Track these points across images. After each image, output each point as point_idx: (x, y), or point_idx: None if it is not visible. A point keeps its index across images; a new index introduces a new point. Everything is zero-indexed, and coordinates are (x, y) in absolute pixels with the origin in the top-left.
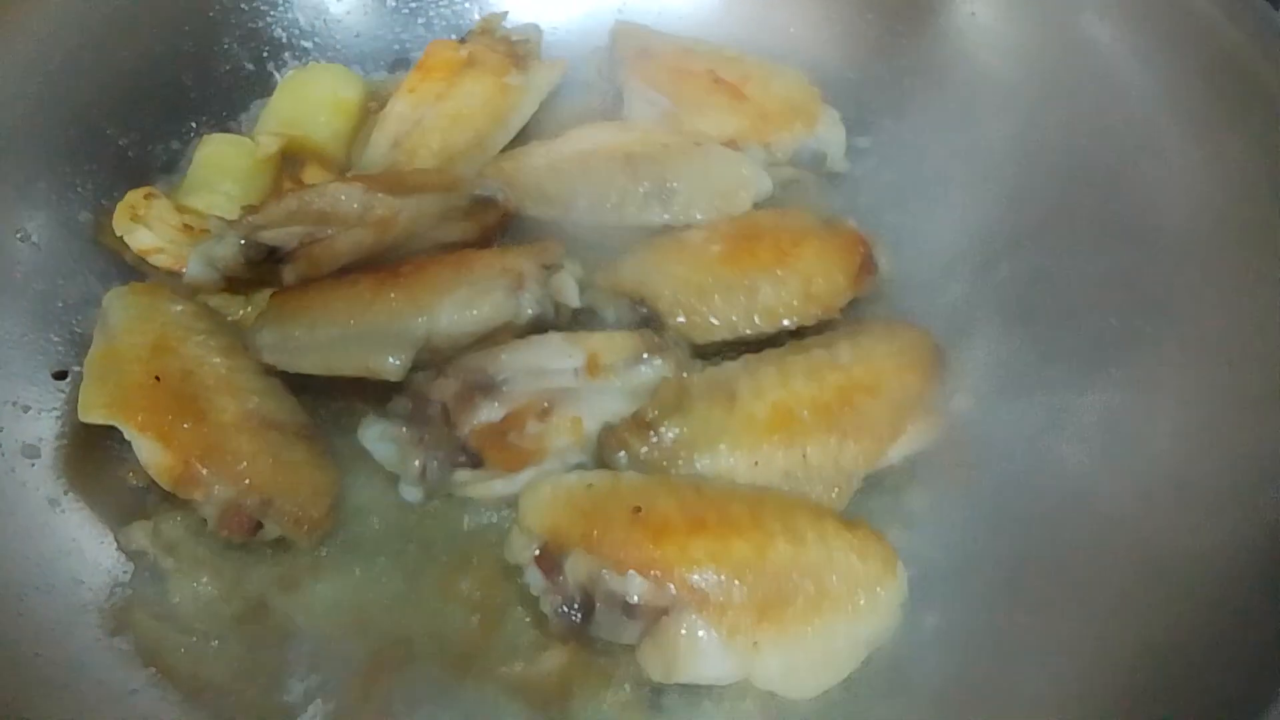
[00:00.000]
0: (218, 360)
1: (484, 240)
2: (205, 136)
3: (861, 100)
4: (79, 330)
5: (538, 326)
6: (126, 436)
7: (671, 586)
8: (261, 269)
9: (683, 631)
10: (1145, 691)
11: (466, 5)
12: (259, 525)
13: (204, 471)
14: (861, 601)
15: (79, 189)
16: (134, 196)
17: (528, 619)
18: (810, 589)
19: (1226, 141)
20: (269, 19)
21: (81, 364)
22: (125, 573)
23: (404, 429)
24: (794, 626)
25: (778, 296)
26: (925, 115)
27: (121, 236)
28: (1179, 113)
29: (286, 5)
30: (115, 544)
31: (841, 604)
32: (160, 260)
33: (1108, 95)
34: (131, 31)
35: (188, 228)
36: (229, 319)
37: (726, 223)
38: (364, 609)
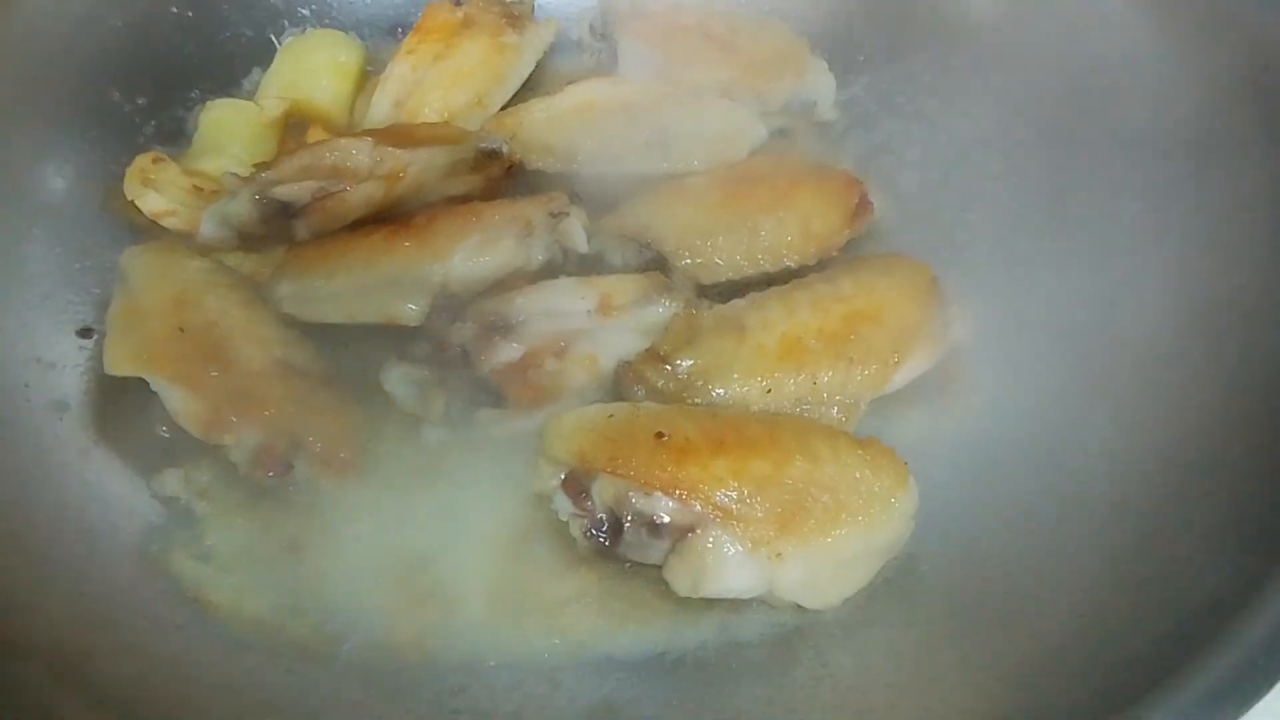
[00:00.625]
0: (239, 312)
1: (490, 193)
2: (210, 102)
3: (848, 51)
4: (97, 291)
5: (548, 272)
6: (154, 388)
7: (697, 504)
8: (274, 225)
9: (709, 545)
10: (1147, 597)
11: None
12: (289, 466)
13: (233, 417)
14: (876, 512)
15: (89, 155)
16: (143, 161)
17: (555, 546)
18: (828, 502)
19: (1211, 68)
20: None
21: (102, 323)
22: (160, 519)
23: (425, 371)
24: (814, 538)
25: (778, 237)
26: (911, 63)
27: (133, 201)
28: (1165, 45)
29: None
30: (148, 491)
31: (857, 515)
32: (171, 223)
33: (1090, 31)
34: (133, 4)
35: (197, 190)
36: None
37: (725, 169)
38: (395, 546)
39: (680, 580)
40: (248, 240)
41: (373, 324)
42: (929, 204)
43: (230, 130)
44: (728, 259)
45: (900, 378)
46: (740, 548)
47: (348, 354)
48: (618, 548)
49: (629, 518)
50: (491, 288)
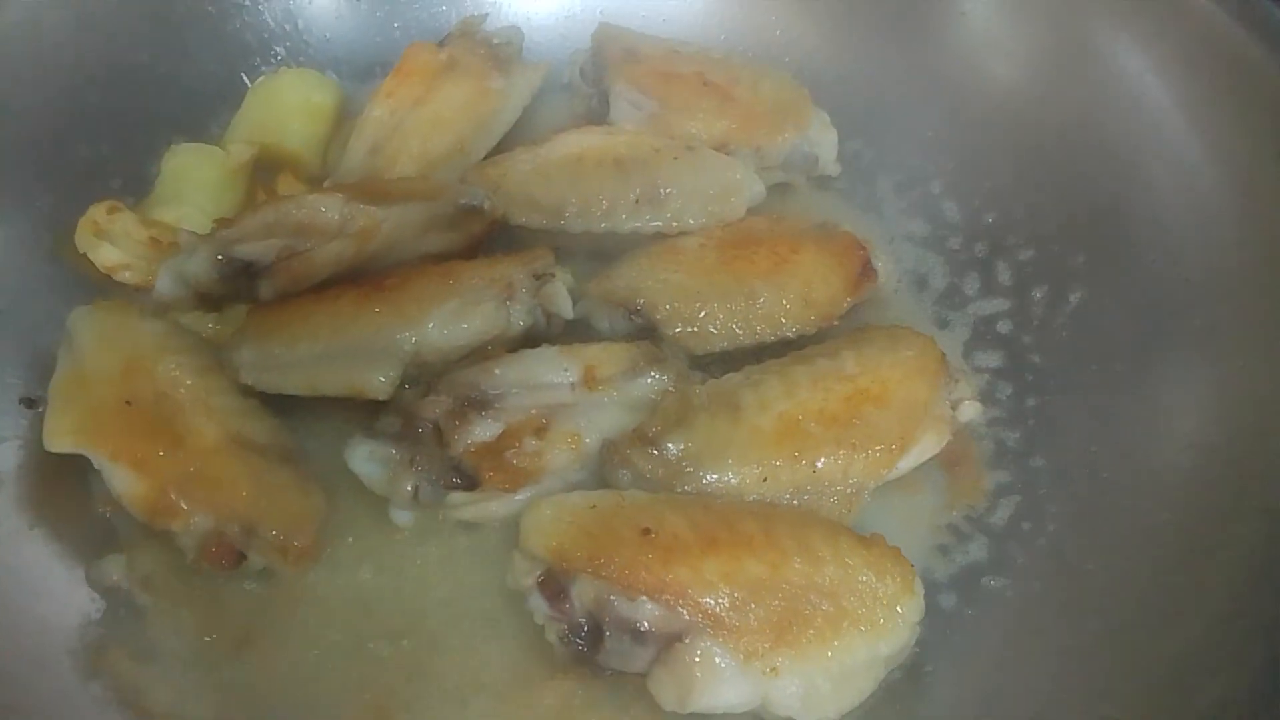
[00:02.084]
0: (193, 381)
1: (470, 251)
2: (173, 146)
3: (851, 103)
4: (43, 353)
5: (530, 339)
6: (96, 465)
7: (684, 611)
8: (236, 284)
9: (697, 657)
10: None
11: (443, 8)
12: (242, 556)
13: (181, 501)
14: (881, 620)
15: (39, 204)
16: (97, 210)
17: (530, 648)
18: (828, 609)
19: (1230, 139)
20: (238, 23)
21: (47, 389)
22: (98, 610)
23: (393, 449)
24: (813, 648)
25: (777, 304)
26: (917, 116)
27: (85, 253)
28: (1178, 109)
29: (255, 9)
30: (86, 580)
31: (860, 624)
32: (126, 277)
33: (1100, 91)
34: (93, 37)
35: (155, 242)
36: (202, 336)
37: (721, 229)
38: (355, 641)
39: (666, 694)
40: (207, 300)
41: (338, 396)
42: (935, 269)
43: (194, 178)
44: (723, 327)
45: (905, 463)
46: (732, 660)
47: (310, 428)
48: (598, 655)
49: (610, 623)
50: (467, 356)
